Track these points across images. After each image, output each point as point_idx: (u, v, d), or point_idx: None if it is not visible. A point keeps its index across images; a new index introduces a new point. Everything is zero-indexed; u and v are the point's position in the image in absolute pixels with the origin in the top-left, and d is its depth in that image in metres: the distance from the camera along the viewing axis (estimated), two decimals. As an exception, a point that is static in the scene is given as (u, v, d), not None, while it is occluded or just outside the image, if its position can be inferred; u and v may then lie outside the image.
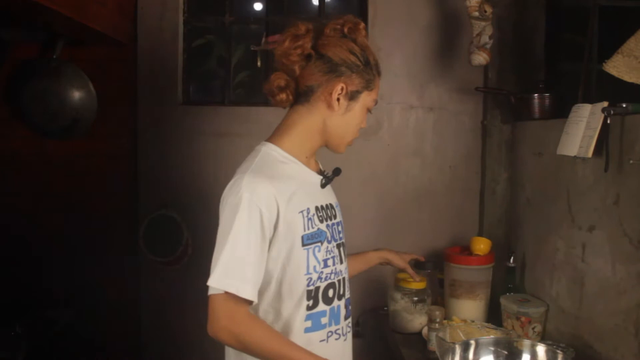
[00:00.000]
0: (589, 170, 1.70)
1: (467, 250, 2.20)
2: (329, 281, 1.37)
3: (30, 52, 2.46)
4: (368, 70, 1.36)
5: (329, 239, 1.38)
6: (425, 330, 1.99)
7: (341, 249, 1.43)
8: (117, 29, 2.32)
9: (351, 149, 2.44)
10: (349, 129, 1.40)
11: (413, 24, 2.44)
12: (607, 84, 1.64)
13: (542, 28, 2.32)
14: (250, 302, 1.25)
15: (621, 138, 1.51)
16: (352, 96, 1.35)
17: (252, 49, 2.53)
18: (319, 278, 1.34)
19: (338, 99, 1.34)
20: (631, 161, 1.45)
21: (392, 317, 2.14)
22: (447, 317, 2.10)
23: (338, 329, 1.40)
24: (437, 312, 1.90)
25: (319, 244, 1.35)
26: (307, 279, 1.32)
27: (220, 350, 2.64)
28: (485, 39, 2.13)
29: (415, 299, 2.08)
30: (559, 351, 1.55)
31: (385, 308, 2.22)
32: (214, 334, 1.26)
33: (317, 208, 1.37)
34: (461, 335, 1.82)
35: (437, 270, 2.26)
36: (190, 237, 2.48)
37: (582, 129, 1.63)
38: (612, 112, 1.51)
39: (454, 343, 1.62)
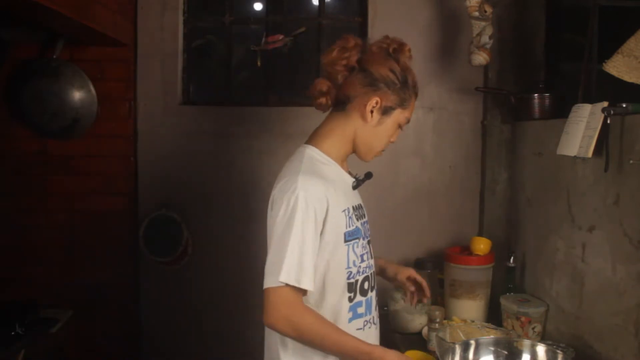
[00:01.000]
0: (589, 170, 1.70)
1: (467, 250, 2.20)
2: (365, 274, 1.49)
3: (30, 52, 2.46)
4: (405, 89, 1.46)
5: (363, 236, 1.50)
6: (425, 330, 1.99)
7: (370, 245, 1.56)
8: (117, 29, 2.32)
9: (351, 149, 2.46)
10: (378, 141, 1.51)
11: (413, 24, 2.44)
12: (607, 84, 1.64)
13: (542, 28, 2.32)
14: (305, 293, 1.35)
15: (621, 138, 1.51)
16: (385, 111, 1.46)
17: (252, 49, 2.54)
18: (358, 272, 1.46)
19: (372, 112, 1.44)
20: (631, 161, 1.45)
21: (392, 317, 2.14)
22: (447, 317, 2.10)
23: (371, 318, 1.51)
24: (437, 312, 1.90)
25: (357, 240, 1.46)
26: (348, 273, 1.43)
27: (220, 348, 2.65)
28: (485, 39, 2.13)
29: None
30: (559, 351, 1.55)
31: (385, 308, 2.21)
32: (272, 323, 1.33)
33: (353, 207, 1.48)
34: (461, 335, 1.82)
35: (437, 270, 2.26)
36: (190, 237, 2.48)
37: (582, 129, 1.63)
38: (612, 112, 1.51)
39: (454, 343, 1.62)
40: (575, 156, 1.65)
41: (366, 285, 1.49)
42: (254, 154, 2.48)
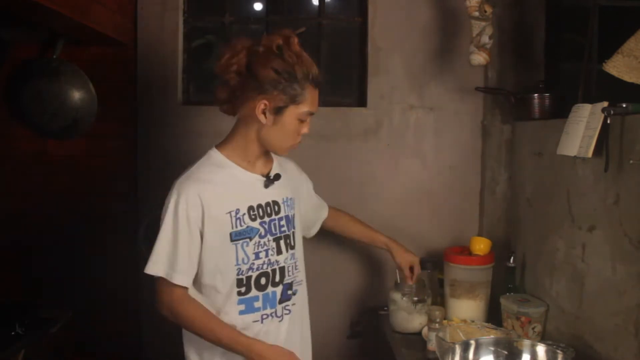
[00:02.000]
0: (589, 170, 1.70)
1: (467, 250, 2.19)
2: (261, 271, 1.57)
3: (30, 52, 2.46)
4: (293, 85, 1.47)
5: (263, 234, 1.57)
6: (425, 330, 1.99)
7: (281, 241, 1.62)
8: (117, 29, 2.32)
9: (351, 149, 2.46)
10: (281, 138, 1.54)
11: (413, 24, 2.44)
12: (607, 84, 1.64)
13: (542, 28, 2.32)
14: (185, 287, 1.52)
15: (621, 138, 1.51)
16: (277, 111, 1.49)
17: (252, 48, 2.54)
18: (250, 269, 1.56)
19: (264, 113, 1.49)
20: (631, 161, 1.45)
21: (392, 317, 2.14)
22: (447, 317, 2.10)
23: (273, 312, 1.60)
24: (437, 312, 1.90)
25: (248, 239, 1.55)
26: (237, 269, 1.54)
27: (219, 350, 2.63)
28: (485, 39, 2.13)
29: (415, 299, 2.08)
30: (559, 351, 1.55)
31: (385, 308, 2.22)
32: (158, 309, 1.55)
33: (250, 207, 1.56)
34: (461, 335, 1.82)
35: (437, 270, 2.26)
36: (190, 237, 2.48)
37: (582, 129, 1.63)
38: (612, 112, 1.51)
39: (454, 343, 1.62)
40: (575, 156, 1.65)
41: (263, 280, 1.58)
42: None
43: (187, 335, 1.64)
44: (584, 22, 1.83)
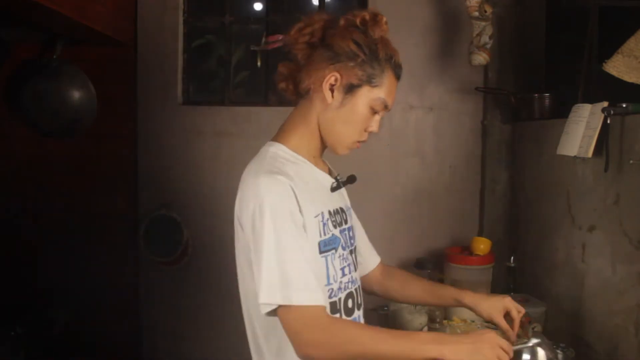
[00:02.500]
0: (589, 170, 1.70)
1: (467, 250, 2.19)
2: (348, 290, 1.26)
3: (30, 52, 2.46)
4: (373, 63, 1.22)
5: (343, 245, 1.27)
6: (425, 330, 1.99)
7: (354, 255, 1.32)
8: (117, 29, 2.32)
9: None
10: (345, 127, 1.23)
11: (413, 24, 2.44)
12: (607, 84, 1.64)
13: (542, 28, 2.32)
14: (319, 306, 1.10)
15: (621, 138, 1.51)
16: (348, 89, 1.20)
17: (252, 49, 2.53)
18: (340, 289, 1.23)
19: (332, 91, 1.21)
20: (631, 161, 1.45)
21: (392, 317, 2.14)
22: (447, 317, 2.09)
23: None
24: (437, 312, 1.90)
25: (334, 251, 1.23)
26: (329, 290, 1.20)
27: (221, 348, 2.65)
28: (485, 39, 2.13)
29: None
30: (559, 351, 1.55)
31: (386, 308, 2.21)
32: (303, 354, 1.09)
33: (330, 212, 1.25)
34: (461, 335, 1.81)
35: (437, 270, 2.26)
36: (190, 237, 2.48)
37: (582, 129, 1.63)
38: (612, 112, 1.51)
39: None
40: (575, 156, 1.65)
41: (350, 303, 1.26)
42: (254, 154, 2.46)
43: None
44: (584, 22, 1.83)
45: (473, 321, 2.05)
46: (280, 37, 2.51)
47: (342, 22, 1.25)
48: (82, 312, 2.42)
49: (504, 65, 2.34)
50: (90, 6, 2.04)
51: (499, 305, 1.44)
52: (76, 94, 2.44)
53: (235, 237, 1.22)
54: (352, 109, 1.22)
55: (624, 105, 1.49)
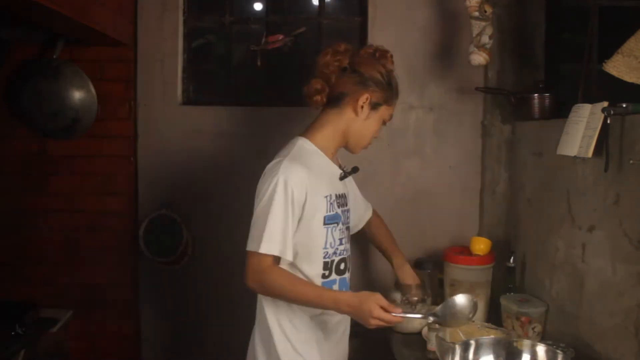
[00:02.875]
0: (589, 170, 1.70)
1: (467, 250, 2.19)
2: (342, 256, 1.70)
3: (30, 52, 2.46)
4: (389, 89, 1.69)
5: (343, 221, 1.70)
6: (425, 330, 1.98)
7: (348, 231, 1.77)
8: (117, 29, 2.32)
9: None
10: (366, 134, 1.70)
11: (413, 24, 2.44)
12: (607, 84, 1.64)
13: (542, 28, 2.32)
14: (279, 259, 1.57)
15: (621, 138, 1.51)
16: (374, 106, 1.66)
17: (252, 49, 2.53)
18: (334, 253, 1.67)
19: (362, 107, 1.65)
20: (631, 161, 1.45)
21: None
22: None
23: None
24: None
25: (336, 224, 1.66)
26: (324, 253, 1.64)
27: (220, 349, 2.65)
28: (485, 39, 2.13)
29: (415, 299, 2.08)
30: (559, 351, 1.55)
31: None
32: (249, 285, 1.59)
33: (336, 195, 1.68)
34: (461, 335, 1.81)
35: (437, 270, 2.26)
36: (190, 237, 2.48)
37: (582, 129, 1.63)
38: (612, 112, 1.51)
39: (454, 343, 1.62)
40: (575, 156, 1.65)
41: (342, 266, 1.70)
42: (254, 154, 2.47)
43: (270, 308, 1.67)
44: (584, 22, 1.83)
45: (473, 321, 2.05)
46: (281, 37, 2.51)
47: (362, 53, 1.71)
48: (82, 312, 2.42)
49: (504, 65, 2.34)
50: (90, 6, 2.04)
51: (411, 275, 1.96)
52: (76, 94, 2.44)
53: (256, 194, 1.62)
54: (372, 122, 1.69)
55: (624, 105, 1.49)
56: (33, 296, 2.38)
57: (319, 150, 1.67)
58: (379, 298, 1.49)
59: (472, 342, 1.59)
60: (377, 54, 1.70)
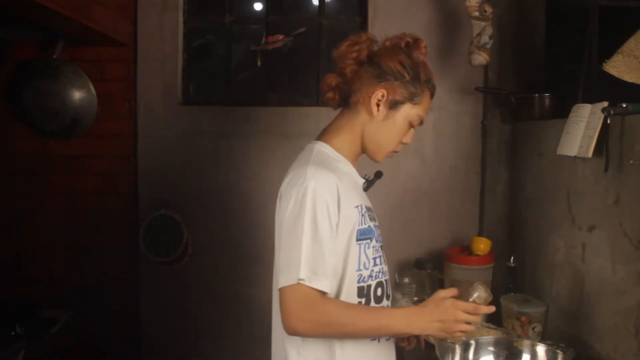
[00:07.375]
0: (589, 170, 1.70)
1: (467, 250, 2.20)
2: (379, 280, 1.37)
3: (30, 52, 2.46)
4: (415, 83, 1.38)
5: (377, 238, 1.39)
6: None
7: (382, 250, 1.43)
8: (117, 29, 2.32)
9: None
10: (386, 138, 1.40)
11: (413, 24, 2.43)
12: (607, 84, 1.64)
13: (542, 28, 2.32)
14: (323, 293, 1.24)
15: (621, 138, 1.51)
16: (392, 105, 1.37)
17: (252, 49, 2.53)
18: (370, 276, 1.35)
19: (378, 105, 1.36)
20: (631, 161, 1.45)
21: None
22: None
23: None
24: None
25: (369, 241, 1.35)
26: (358, 276, 1.32)
27: (220, 351, 2.65)
28: (485, 39, 2.13)
29: (415, 299, 2.08)
30: (559, 351, 1.55)
31: (385, 308, 2.21)
32: (294, 328, 1.21)
33: (366, 207, 1.38)
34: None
35: (437, 270, 2.26)
36: (190, 237, 2.48)
37: (582, 129, 1.63)
38: (612, 112, 1.51)
39: (454, 343, 1.62)
40: (575, 156, 1.65)
41: (379, 292, 1.37)
42: (254, 154, 2.48)
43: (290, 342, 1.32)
44: (584, 22, 1.83)
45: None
46: (281, 37, 2.51)
47: (387, 42, 1.40)
48: (82, 312, 2.42)
49: (504, 65, 2.34)
50: (90, 6, 2.04)
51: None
52: (76, 94, 2.44)
53: (276, 214, 1.34)
54: (393, 122, 1.38)
55: (624, 105, 1.49)
56: (33, 296, 2.38)
57: (341, 156, 1.39)
58: (454, 300, 1.27)
59: (472, 342, 1.59)
60: (403, 43, 1.38)
